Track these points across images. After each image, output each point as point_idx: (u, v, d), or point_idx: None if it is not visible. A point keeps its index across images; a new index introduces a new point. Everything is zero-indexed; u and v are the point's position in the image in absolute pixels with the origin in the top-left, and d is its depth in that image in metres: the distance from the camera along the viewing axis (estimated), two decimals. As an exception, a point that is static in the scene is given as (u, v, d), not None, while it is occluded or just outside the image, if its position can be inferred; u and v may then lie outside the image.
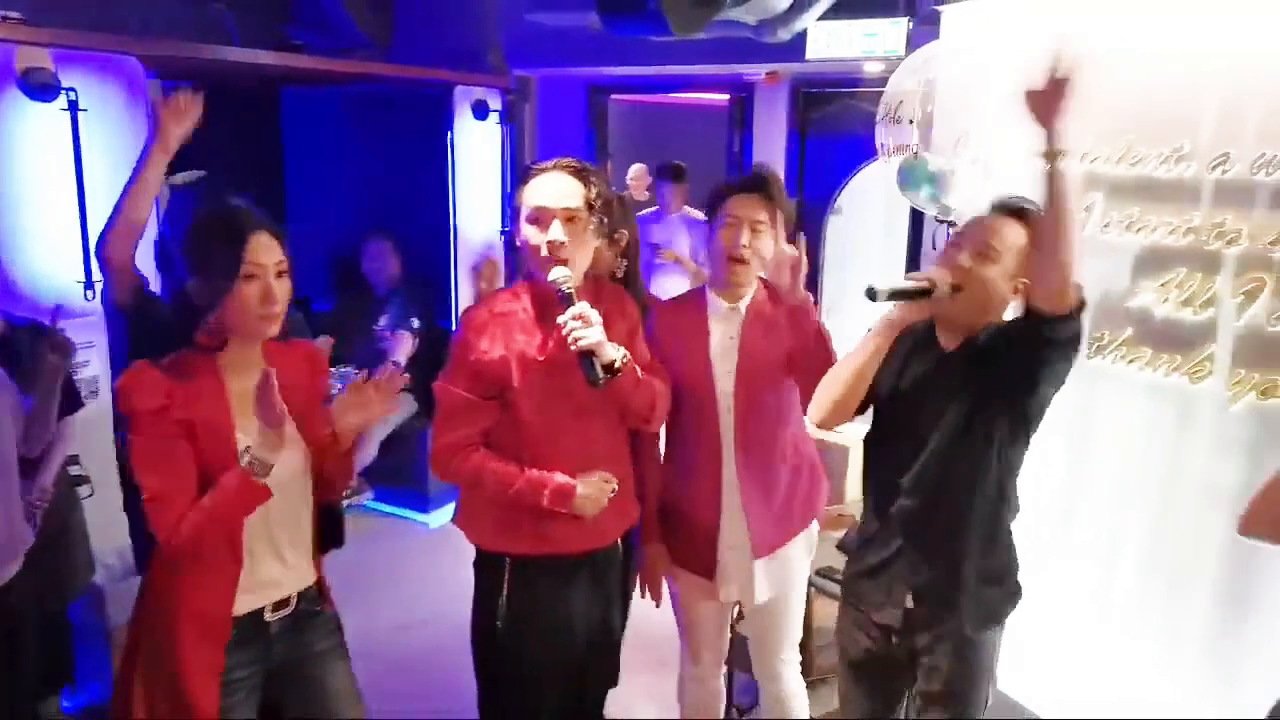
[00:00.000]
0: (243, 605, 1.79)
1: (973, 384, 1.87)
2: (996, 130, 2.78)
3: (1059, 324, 1.73)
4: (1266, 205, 2.12)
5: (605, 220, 2.01)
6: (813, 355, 2.13)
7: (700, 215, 4.46)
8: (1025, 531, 2.61)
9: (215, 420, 1.72)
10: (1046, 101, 1.68)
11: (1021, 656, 2.54)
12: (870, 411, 2.03)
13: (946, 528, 1.93)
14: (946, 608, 1.93)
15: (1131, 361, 2.41)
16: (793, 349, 2.18)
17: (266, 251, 1.72)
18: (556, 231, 1.94)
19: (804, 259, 2.09)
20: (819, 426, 2.06)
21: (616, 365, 1.95)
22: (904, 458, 1.94)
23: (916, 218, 4.64)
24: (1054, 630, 2.58)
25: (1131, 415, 2.43)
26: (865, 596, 2.04)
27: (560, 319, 1.90)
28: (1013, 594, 2.01)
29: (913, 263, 4.88)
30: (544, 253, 1.95)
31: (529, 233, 1.97)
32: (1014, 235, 1.84)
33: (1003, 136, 2.76)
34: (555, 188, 1.96)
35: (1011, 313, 1.89)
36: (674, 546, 2.32)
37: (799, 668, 2.46)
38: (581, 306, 1.90)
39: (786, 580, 2.33)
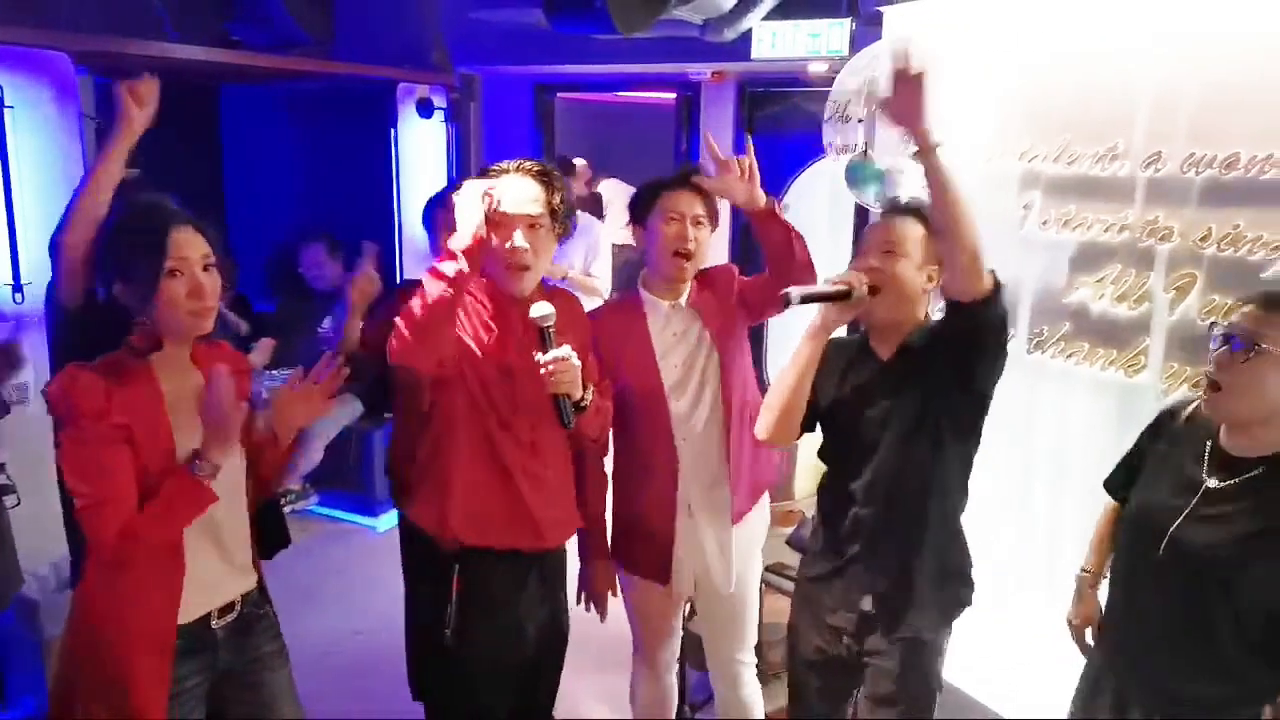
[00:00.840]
0: (189, 612, 1.74)
1: (913, 390, 1.91)
2: (939, 128, 2.82)
3: (980, 309, 1.78)
4: (1196, 203, 2.18)
5: (565, 224, 2.01)
6: (780, 262, 2.17)
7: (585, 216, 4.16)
8: (972, 527, 2.66)
9: (152, 424, 1.67)
10: (903, 104, 1.72)
11: (974, 652, 2.59)
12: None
13: (901, 533, 1.97)
14: (902, 611, 1.97)
15: (1070, 356, 2.47)
16: (745, 293, 2.23)
17: (190, 245, 1.66)
18: (520, 239, 1.92)
19: (754, 163, 2.13)
20: (769, 444, 2.10)
21: (584, 403, 1.96)
22: (854, 467, 1.97)
23: (861, 215, 4.69)
24: (1004, 624, 2.63)
25: (1072, 409, 2.49)
26: (819, 600, 2.06)
27: (541, 359, 1.88)
28: (966, 592, 2.06)
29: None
30: (506, 261, 1.94)
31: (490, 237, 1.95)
32: (911, 229, 1.92)
33: (945, 134, 2.81)
34: (518, 193, 1.93)
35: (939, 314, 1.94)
36: (629, 550, 2.31)
37: (753, 671, 2.47)
38: (565, 350, 1.89)
39: (742, 572, 2.34)
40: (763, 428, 2.02)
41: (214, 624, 1.79)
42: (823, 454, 2.11)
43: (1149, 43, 2.26)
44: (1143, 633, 1.77)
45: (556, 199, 1.97)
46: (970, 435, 1.97)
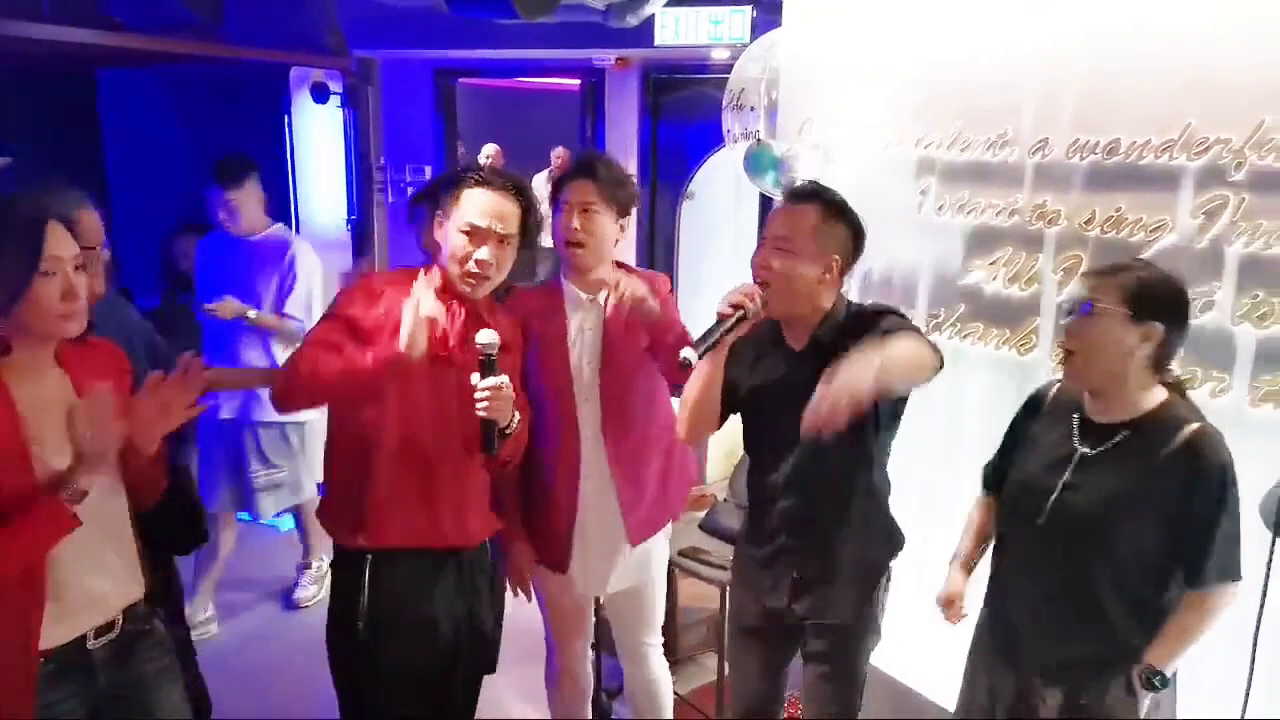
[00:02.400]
0: (59, 634, 1.60)
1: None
2: (837, 115, 2.88)
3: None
4: (1081, 187, 2.27)
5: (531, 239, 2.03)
6: (671, 349, 2.18)
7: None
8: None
9: (5, 434, 1.52)
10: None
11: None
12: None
13: (826, 521, 2.01)
14: (829, 597, 2.02)
15: (966, 337, 2.55)
16: (652, 339, 2.20)
17: (63, 244, 1.55)
18: (485, 253, 1.94)
19: (642, 291, 2.13)
20: (687, 443, 2.13)
21: (510, 430, 1.95)
22: (775, 458, 2.00)
23: (766, 201, 4.76)
24: (906, 598, 2.71)
25: (968, 387, 2.57)
26: (755, 582, 2.10)
27: (478, 383, 1.86)
28: (885, 579, 2.13)
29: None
30: (471, 269, 1.94)
31: (457, 242, 1.95)
32: (804, 220, 1.91)
33: (838, 122, 2.87)
34: (498, 209, 1.95)
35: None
36: (530, 539, 2.30)
37: (661, 653, 2.49)
38: (502, 380, 1.88)
39: (645, 568, 2.36)
40: (681, 429, 2.06)
41: (90, 644, 1.66)
42: (746, 442, 2.14)
43: (1034, 35, 2.34)
44: (1027, 604, 1.84)
45: (530, 218, 2.01)
46: (889, 424, 2.01)
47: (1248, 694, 1.75)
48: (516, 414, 1.97)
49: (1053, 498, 1.77)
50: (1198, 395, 2.04)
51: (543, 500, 2.26)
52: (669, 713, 2.54)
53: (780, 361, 1.99)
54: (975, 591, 2.06)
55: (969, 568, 2.06)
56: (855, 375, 1.61)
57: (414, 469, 1.98)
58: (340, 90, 4.74)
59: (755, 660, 2.17)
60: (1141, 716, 1.76)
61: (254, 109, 4.61)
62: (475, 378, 1.87)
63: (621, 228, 2.23)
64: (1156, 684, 1.72)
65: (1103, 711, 1.76)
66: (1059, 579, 1.79)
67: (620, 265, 2.31)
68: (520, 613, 2.41)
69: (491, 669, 2.26)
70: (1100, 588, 1.74)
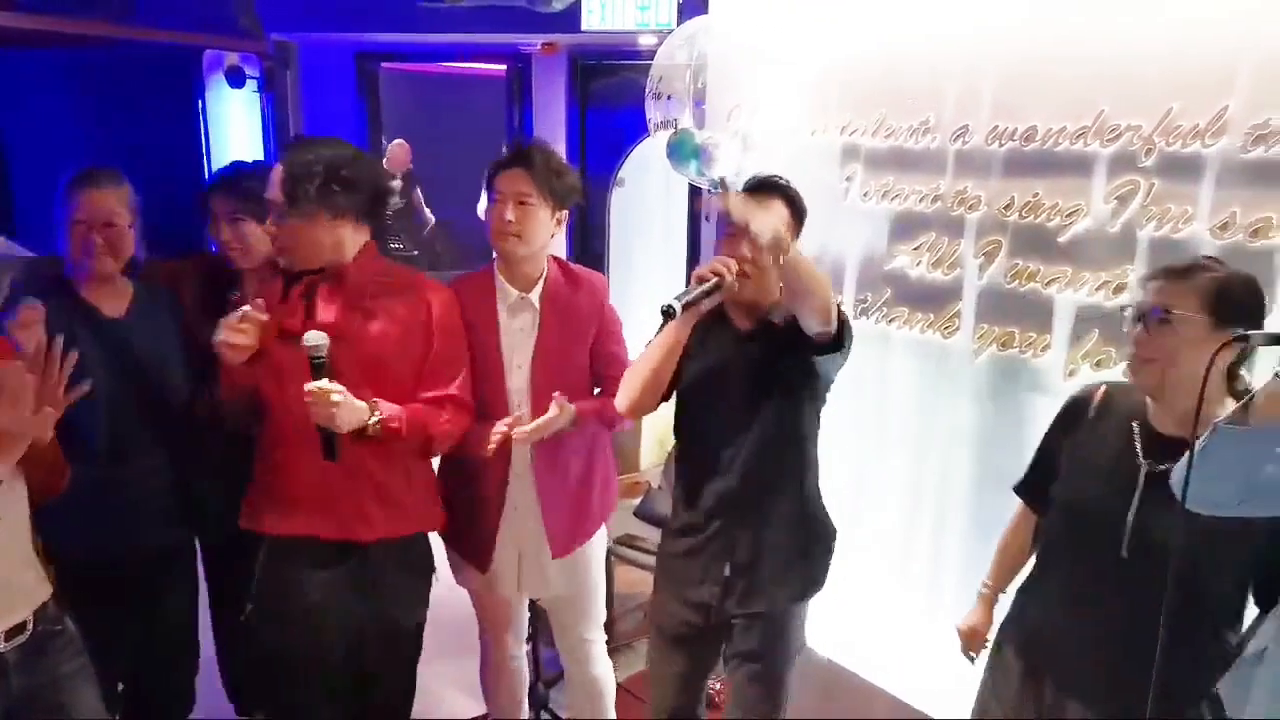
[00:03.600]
0: None
1: (772, 365, 1.95)
2: (761, 103, 2.89)
3: (824, 344, 1.87)
4: (1000, 173, 2.32)
5: (309, 204, 1.91)
6: (611, 356, 2.24)
7: None
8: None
9: None
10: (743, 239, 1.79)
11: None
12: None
13: (763, 503, 2.01)
14: (762, 586, 2.02)
15: (892, 321, 2.60)
16: (594, 344, 2.23)
17: None
18: (269, 223, 1.96)
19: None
20: (628, 417, 2.12)
21: (368, 431, 1.90)
22: (716, 440, 1.99)
23: (694, 189, 4.77)
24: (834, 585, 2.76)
25: (895, 371, 2.62)
26: (682, 577, 2.08)
27: (308, 386, 1.82)
28: (826, 562, 2.14)
29: (692, 232, 5.02)
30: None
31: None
32: (775, 214, 1.90)
33: (765, 109, 2.88)
34: (272, 176, 1.92)
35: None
36: (454, 532, 2.27)
37: (603, 647, 2.47)
38: (324, 385, 1.83)
39: (579, 573, 2.33)
40: (624, 402, 2.02)
41: (1, 647, 1.63)
42: (680, 427, 2.11)
43: (954, 23, 2.38)
44: (1091, 630, 1.68)
45: (295, 170, 1.89)
46: (820, 406, 2.06)
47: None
48: (377, 413, 1.91)
49: (1130, 522, 1.61)
50: (1110, 375, 2.11)
51: (470, 496, 2.23)
52: (611, 712, 2.52)
53: (726, 342, 2.00)
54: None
55: (996, 598, 1.99)
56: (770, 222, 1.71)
57: (305, 458, 1.93)
58: (257, 75, 4.59)
59: (679, 670, 2.12)
60: None
61: (165, 94, 4.44)
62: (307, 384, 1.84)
63: (559, 221, 2.17)
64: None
65: None
66: (1134, 608, 1.58)
67: (556, 260, 2.28)
68: (455, 605, 2.39)
69: (401, 681, 2.21)
70: (1179, 619, 1.47)
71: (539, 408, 2.15)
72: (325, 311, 1.95)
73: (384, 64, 6.10)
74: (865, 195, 2.64)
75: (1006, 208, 2.31)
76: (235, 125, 4.53)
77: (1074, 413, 1.80)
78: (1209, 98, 1.93)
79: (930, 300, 2.50)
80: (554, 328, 2.18)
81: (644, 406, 2.03)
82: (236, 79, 4.44)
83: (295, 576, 1.99)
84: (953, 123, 2.41)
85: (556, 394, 2.09)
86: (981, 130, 2.35)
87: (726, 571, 2.03)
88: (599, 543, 2.40)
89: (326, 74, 5.69)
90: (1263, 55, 1.86)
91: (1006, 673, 1.84)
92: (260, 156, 4.66)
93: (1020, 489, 1.96)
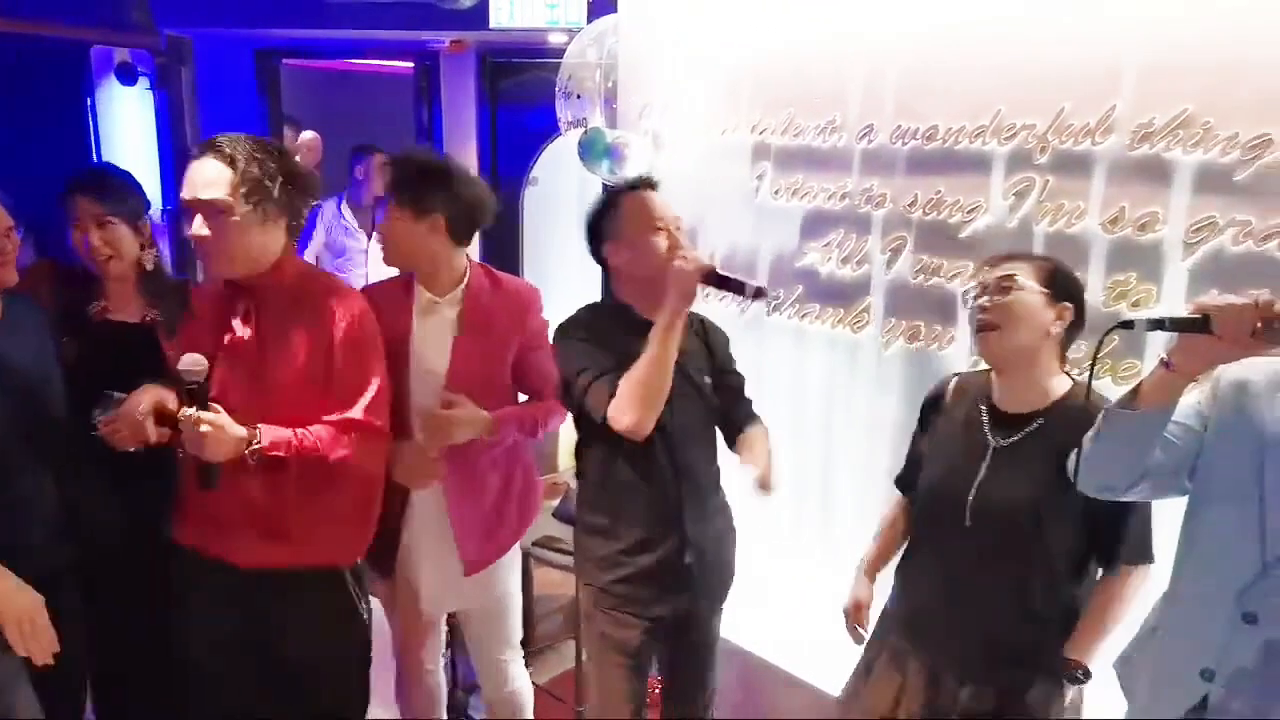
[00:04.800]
0: None
1: (700, 357, 2.01)
2: (672, 102, 2.91)
3: None
4: (904, 171, 2.39)
5: (270, 205, 1.81)
6: (535, 366, 2.19)
7: None
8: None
9: None
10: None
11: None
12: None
13: (709, 506, 2.06)
14: (712, 583, 2.08)
15: (804, 317, 2.64)
16: (519, 354, 2.19)
17: None
18: (197, 225, 1.77)
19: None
20: (638, 431, 1.87)
21: (249, 458, 1.78)
22: (663, 450, 1.96)
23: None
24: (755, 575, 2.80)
25: (807, 365, 2.66)
26: (637, 598, 2.02)
27: (182, 413, 1.72)
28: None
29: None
30: (196, 249, 1.80)
31: (189, 226, 1.81)
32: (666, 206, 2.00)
33: (676, 108, 2.90)
34: (199, 177, 1.78)
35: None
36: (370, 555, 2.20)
37: (519, 665, 2.43)
38: (203, 415, 1.71)
39: (490, 589, 2.28)
40: (639, 423, 1.85)
41: None
42: (619, 445, 1.94)
43: (858, 24, 2.44)
44: (955, 606, 1.78)
45: (244, 177, 1.77)
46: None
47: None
48: (257, 441, 1.78)
49: (972, 495, 1.73)
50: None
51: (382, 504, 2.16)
52: (529, 715, 2.49)
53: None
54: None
55: (875, 574, 2.05)
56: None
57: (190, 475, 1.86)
58: (149, 71, 4.40)
59: (637, 678, 2.08)
60: (1064, 715, 1.74)
61: (51, 92, 4.21)
62: (180, 405, 1.76)
63: (431, 227, 2.08)
64: (1080, 677, 1.70)
65: (1024, 709, 1.71)
66: (986, 576, 1.74)
67: (482, 266, 2.24)
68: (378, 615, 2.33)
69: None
70: (1027, 583, 1.71)
71: None
72: (244, 325, 1.87)
73: (285, 60, 5.92)
74: (776, 193, 2.67)
75: (910, 205, 2.37)
76: (127, 124, 4.34)
77: (932, 405, 1.94)
78: (1097, 98, 2.02)
79: (840, 296, 2.55)
80: (472, 334, 2.14)
81: (653, 417, 1.87)
82: (127, 76, 4.25)
83: (199, 599, 1.94)
84: (858, 122, 2.46)
85: (459, 396, 2.06)
86: (885, 129, 2.40)
87: (688, 585, 2.03)
88: (514, 557, 2.34)
89: (224, 71, 5.49)
90: (1146, 57, 1.95)
91: (879, 652, 1.95)
92: (154, 157, 4.47)
93: (897, 481, 2.07)
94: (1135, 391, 1.36)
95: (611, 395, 1.86)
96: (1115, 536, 1.69)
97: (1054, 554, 1.70)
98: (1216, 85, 1.86)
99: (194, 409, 1.71)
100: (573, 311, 2.09)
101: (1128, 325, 1.36)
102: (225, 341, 1.86)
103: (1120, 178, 2.01)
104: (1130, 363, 2.01)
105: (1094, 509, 1.63)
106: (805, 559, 2.72)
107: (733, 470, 2.08)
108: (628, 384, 1.85)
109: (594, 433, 1.98)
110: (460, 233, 2.14)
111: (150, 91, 4.42)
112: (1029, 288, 1.69)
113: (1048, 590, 1.72)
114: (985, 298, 1.72)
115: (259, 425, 1.80)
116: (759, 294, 1.88)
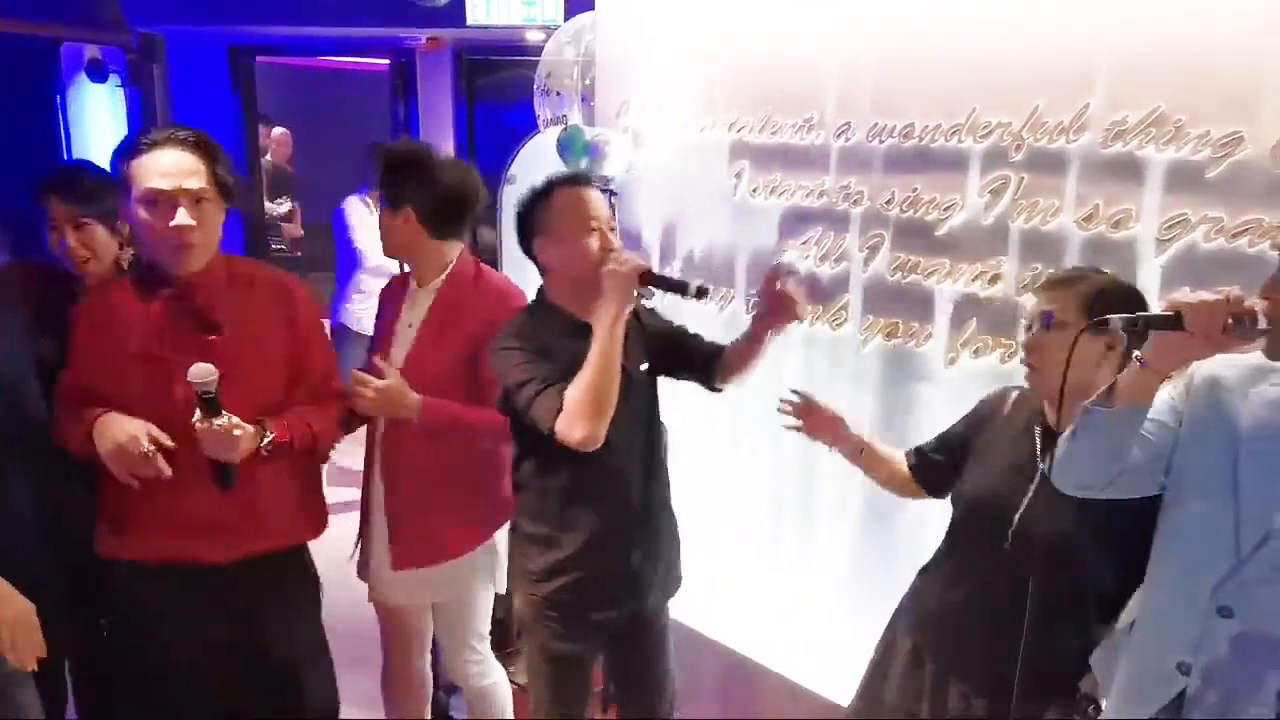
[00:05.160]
0: None
1: (632, 346, 1.91)
2: (650, 100, 2.90)
3: None
4: (881, 169, 2.40)
5: (227, 196, 1.84)
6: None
7: None
8: (699, 480, 2.79)
9: None
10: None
11: (715, 600, 2.73)
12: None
13: (653, 506, 2.01)
14: (658, 585, 2.04)
15: (783, 314, 2.64)
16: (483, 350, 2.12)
17: None
18: (182, 216, 1.74)
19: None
20: (584, 446, 1.78)
21: (263, 450, 1.82)
22: (605, 455, 1.83)
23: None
24: (732, 571, 2.81)
25: (787, 364, 2.66)
26: (582, 606, 1.96)
27: (198, 424, 1.71)
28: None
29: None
30: (170, 240, 1.76)
31: (145, 217, 1.76)
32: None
33: (654, 106, 2.90)
34: (178, 166, 1.75)
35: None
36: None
37: (490, 661, 2.38)
38: (223, 421, 1.72)
39: (450, 585, 2.24)
40: (589, 436, 1.76)
41: None
42: (566, 453, 1.82)
43: (835, 22, 2.44)
44: (981, 621, 1.74)
45: (220, 171, 1.82)
46: None
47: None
48: (270, 433, 1.82)
49: (1019, 514, 1.67)
50: (987, 362, 2.20)
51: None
52: (509, 714, 2.47)
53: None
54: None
55: (857, 453, 2.02)
56: None
57: (145, 480, 1.79)
58: (120, 69, 4.35)
59: (581, 687, 2.05)
60: None
61: (21, 89, 4.15)
62: (197, 413, 1.73)
63: (404, 219, 2.09)
64: (1091, 713, 1.65)
65: None
66: (1018, 601, 1.62)
67: (475, 263, 2.23)
68: (349, 615, 2.32)
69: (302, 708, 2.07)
70: (1057, 614, 1.63)
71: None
72: (190, 322, 1.84)
73: (259, 58, 5.87)
74: (754, 192, 2.68)
75: (888, 203, 2.38)
76: (98, 123, 4.28)
77: (985, 412, 1.86)
78: (1071, 96, 2.03)
79: (819, 294, 2.56)
80: (437, 325, 2.12)
81: (604, 426, 1.77)
82: (98, 74, 4.20)
83: (156, 605, 1.88)
84: (835, 120, 2.47)
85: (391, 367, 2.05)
86: (863, 127, 2.41)
87: (634, 588, 2.00)
88: (482, 556, 2.27)
89: (197, 68, 5.43)
90: (1118, 56, 1.97)
91: (895, 651, 1.90)
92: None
93: (915, 449, 1.99)
94: (1111, 389, 1.37)
95: (558, 409, 1.76)
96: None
97: (1088, 592, 1.66)
98: (1187, 84, 1.88)
99: (211, 420, 1.72)
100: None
101: (1103, 324, 1.37)
102: (168, 339, 1.82)
103: (1094, 175, 2.03)
104: (1105, 359, 2.03)
105: (1135, 543, 1.56)
106: (784, 555, 2.73)
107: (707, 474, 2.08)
108: (574, 396, 1.75)
109: (533, 444, 1.91)
110: (435, 224, 2.11)
111: (121, 89, 4.36)
112: (1072, 323, 1.56)
113: (1078, 624, 1.67)
114: (1030, 333, 1.65)
115: (262, 418, 1.82)
116: (701, 293, 1.79)
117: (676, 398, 2.86)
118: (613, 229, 1.95)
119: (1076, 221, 2.06)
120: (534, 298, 2.01)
